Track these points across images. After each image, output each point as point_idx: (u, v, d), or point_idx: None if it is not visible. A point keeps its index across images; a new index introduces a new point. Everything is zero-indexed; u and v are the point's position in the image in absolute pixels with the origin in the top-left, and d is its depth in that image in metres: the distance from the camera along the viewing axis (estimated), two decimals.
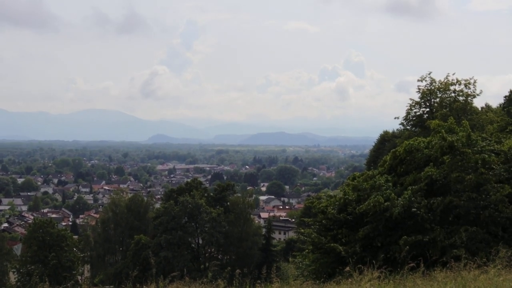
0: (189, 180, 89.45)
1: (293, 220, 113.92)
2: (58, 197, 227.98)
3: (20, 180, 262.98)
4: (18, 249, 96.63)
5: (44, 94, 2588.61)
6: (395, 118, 45.84)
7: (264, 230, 79.39)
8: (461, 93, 43.86)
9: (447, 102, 44.09)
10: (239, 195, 77.62)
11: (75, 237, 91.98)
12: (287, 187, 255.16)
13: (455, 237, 21.87)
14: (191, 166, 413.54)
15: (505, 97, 58.11)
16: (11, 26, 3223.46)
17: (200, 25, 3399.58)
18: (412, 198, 23.48)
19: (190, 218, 68.24)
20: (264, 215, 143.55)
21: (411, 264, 16.23)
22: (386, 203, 23.54)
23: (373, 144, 73.72)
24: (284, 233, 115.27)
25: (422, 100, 45.13)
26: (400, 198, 23.67)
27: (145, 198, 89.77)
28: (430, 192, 24.35)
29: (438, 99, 44.66)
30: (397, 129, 63.41)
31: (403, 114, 45.51)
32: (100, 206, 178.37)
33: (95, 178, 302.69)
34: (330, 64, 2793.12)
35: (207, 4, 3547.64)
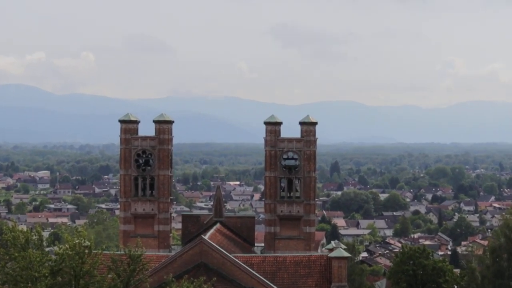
0: None
1: None
2: (433, 217, 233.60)
3: (382, 196, 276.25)
4: (382, 285, 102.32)
5: (411, 85, 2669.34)
6: None
7: None
8: None
9: None
10: None
11: (456, 270, 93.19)
12: None
13: None
14: None
15: None
16: None
17: None
18: None
19: None
20: None
21: None
22: None
23: None
24: None
25: None
26: None
27: None
28: None
29: None
30: None
31: None
32: (489, 230, 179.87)
33: (481, 193, 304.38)
34: None
35: None
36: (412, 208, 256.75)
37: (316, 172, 74.38)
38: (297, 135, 73.62)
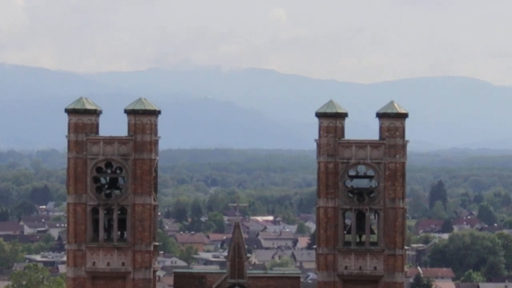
0: None
1: None
2: None
3: None
4: None
5: None
6: None
7: None
8: None
9: None
10: None
11: None
12: None
13: None
14: None
15: None
16: None
17: None
18: None
19: None
20: None
21: None
22: None
23: None
24: None
25: None
26: None
27: None
28: None
29: None
30: None
31: None
32: None
33: None
34: None
35: None
36: None
37: (406, 201, 74.56)
38: (373, 135, 73.77)
